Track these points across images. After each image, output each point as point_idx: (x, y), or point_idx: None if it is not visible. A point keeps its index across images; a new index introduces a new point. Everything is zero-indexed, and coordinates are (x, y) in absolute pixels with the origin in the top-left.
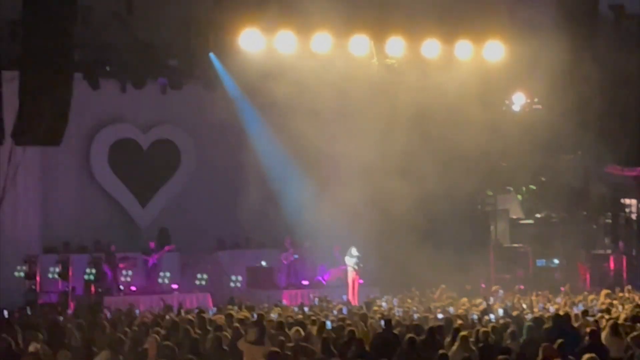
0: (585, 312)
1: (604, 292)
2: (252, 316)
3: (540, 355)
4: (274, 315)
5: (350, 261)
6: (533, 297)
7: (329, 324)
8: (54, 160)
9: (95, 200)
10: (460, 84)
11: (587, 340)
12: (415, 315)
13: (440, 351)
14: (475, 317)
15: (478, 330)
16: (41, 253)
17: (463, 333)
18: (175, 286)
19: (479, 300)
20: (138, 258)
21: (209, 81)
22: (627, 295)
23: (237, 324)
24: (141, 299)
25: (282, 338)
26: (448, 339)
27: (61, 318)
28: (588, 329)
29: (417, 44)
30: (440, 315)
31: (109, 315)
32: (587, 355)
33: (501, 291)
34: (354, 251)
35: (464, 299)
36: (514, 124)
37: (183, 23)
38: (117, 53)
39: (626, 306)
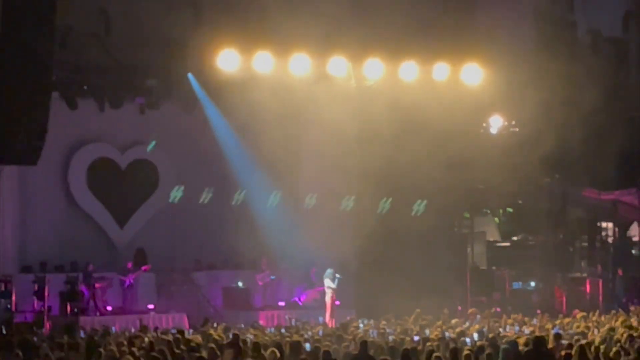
0: (558, 336)
1: (580, 315)
2: (228, 337)
3: None
4: (250, 336)
5: (329, 283)
6: (509, 320)
7: (307, 346)
8: (31, 180)
9: (72, 220)
10: (437, 106)
11: None
12: (391, 337)
13: None
14: (450, 335)
15: (455, 349)
16: (17, 272)
17: (437, 354)
18: (151, 306)
19: (454, 321)
20: (114, 278)
21: (187, 101)
22: (602, 319)
23: (212, 345)
24: (117, 319)
25: None
26: None
27: (35, 338)
28: (562, 353)
29: (395, 65)
30: (416, 337)
31: (83, 335)
32: None
33: (478, 315)
34: (330, 273)
35: (439, 322)
36: (491, 146)
37: (161, 43)
38: (95, 73)
39: (601, 329)
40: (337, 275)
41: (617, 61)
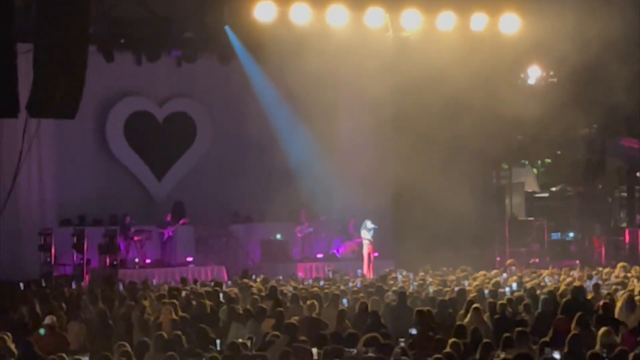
0: (597, 286)
1: (620, 265)
2: (267, 289)
3: (554, 328)
4: (289, 288)
5: (365, 234)
6: (548, 271)
7: (345, 302)
8: (69, 133)
9: (110, 173)
10: (476, 57)
11: (599, 313)
12: (431, 289)
13: (457, 323)
14: (488, 291)
15: (493, 303)
16: (56, 226)
17: (476, 305)
18: (190, 259)
19: (494, 272)
20: (153, 231)
21: (224, 54)
22: None
23: (255, 296)
24: (156, 271)
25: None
26: (462, 312)
27: (76, 290)
28: (601, 302)
29: (433, 16)
30: (455, 289)
31: (122, 287)
32: (603, 329)
33: (513, 267)
34: (369, 224)
35: (481, 272)
36: (529, 97)
37: None
38: (132, 26)
39: None
40: (373, 226)
41: None
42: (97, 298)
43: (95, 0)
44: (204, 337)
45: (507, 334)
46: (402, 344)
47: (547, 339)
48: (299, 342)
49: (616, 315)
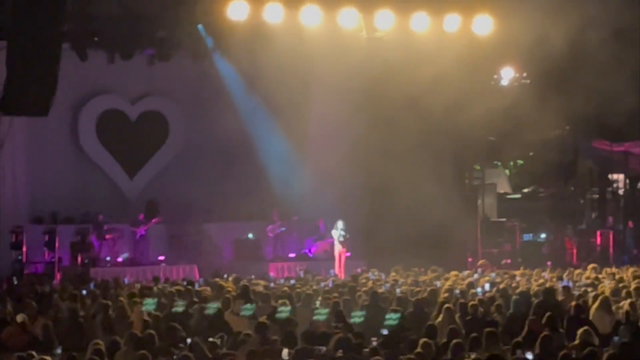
0: (568, 287)
1: (590, 266)
2: (238, 288)
3: (526, 329)
4: (260, 288)
5: (337, 234)
6: (519, 272)
7: (317, 302)
8: (41, 131)
9: (83, 172)
10: (448, 58)
11: (571, 314)
12: (401, 289)
13: (428, 323)
14: (459, 291)
15: (465, 303)
16: (28, 223)
17: (448, 305)
18: (162, 258)
19: (467, 273)
20: (126, 229)
21: (197, 52)
22: (613, 270)
23: (227, 295)
24: (128, 270)
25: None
26: (434, 312)
27: (47, 288)
28: (573, 303)
29: (406, 17)
30: (427, 289)
31: (94, 286)
32: (581, 329)
33: (486, 267)
34: (340, 224)
35: (452, 272)
36: (502, 98)
37: None
38: (106, 24)
39: (611, 282)
40: (343, 227)
41: (630, 10)
42: (68, 296)
43: None
44: (176, 336)
45: (474, 334)
46: (374, 344)
47: (519, 339)
48: (269, 342)
49: (591, 317)
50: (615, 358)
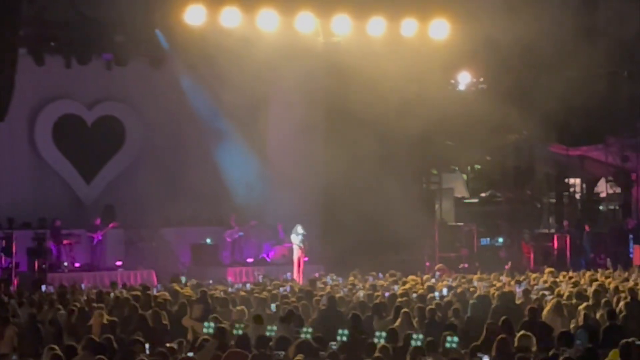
0: (527, 291)
1: (547, 270)
2: (197, 293)
3: (485, 333)
4: (218, 293)
5: (295, 239)
6: (477, 276)
7: (273, 307)
8: None
9: (39, 177)
10: (405, 63)
11: (526, 317)
12: (361, 293)
13: (388, 327)
14: (417, 295)
15: (422, 308)
16: None
17: (405, 310)
18: (119, 263)
19: (425, 277)
20: (83, 235)
21: (155, 57)
22: (570, 274)
23: (183, 300)
24: (85, 275)
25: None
26: (391, 317)
27: (5, 294)
28: (528, 307)
29: (363, 21)
30: (386, 294)
31: (52, 291)
32: (521, 332)
33: (443, 271)
34: (299, 229)
35: (410, 277)
36: (459, 103)
37: None
38: (63, 29)
39: (568, 285)
40: (303, 232)
41: (586, 15)
42: (25, 302)
43: (26, 2)
44: (134, 341)
45: (430, 338)
46: (333, 348)
47: (478, 343)
48: (228, 347)
49: (544, 319)
50: None
